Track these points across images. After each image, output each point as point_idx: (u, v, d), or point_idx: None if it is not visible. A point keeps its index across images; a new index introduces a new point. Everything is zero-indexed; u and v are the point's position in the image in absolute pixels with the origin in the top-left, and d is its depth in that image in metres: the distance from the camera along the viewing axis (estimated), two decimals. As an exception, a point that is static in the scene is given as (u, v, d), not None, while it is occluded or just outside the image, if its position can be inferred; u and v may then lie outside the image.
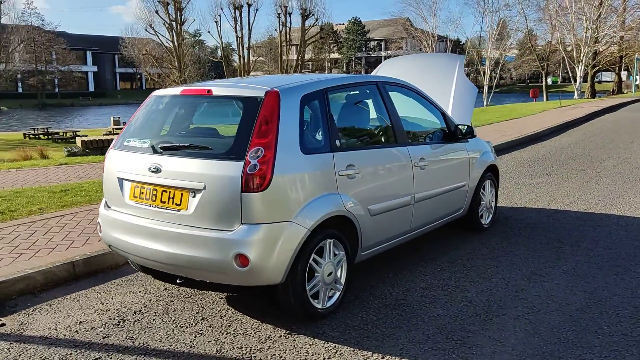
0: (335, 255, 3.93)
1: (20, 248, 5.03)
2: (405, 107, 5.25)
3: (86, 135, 24.29)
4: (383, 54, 76.82)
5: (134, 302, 4.21)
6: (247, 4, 39.11)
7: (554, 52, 46.11)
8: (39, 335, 3.69)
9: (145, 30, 38.11)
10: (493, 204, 6.11)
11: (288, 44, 41.53)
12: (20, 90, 67.71)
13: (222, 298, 4.25)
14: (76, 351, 3.46)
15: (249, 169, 3.43)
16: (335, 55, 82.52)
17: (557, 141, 13.66)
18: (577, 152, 11.65)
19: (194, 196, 3.59)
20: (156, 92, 4.33)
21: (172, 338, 3.62)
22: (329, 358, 3.36)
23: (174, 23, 37.26)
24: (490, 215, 6.08)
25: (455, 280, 4.54)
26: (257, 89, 3.76)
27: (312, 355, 3.39)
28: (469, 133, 5.38)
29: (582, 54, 37.97)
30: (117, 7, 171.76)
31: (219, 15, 39.37)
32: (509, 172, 9.46)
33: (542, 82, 46.90)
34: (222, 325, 3.79)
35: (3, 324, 3.87)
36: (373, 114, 4.69)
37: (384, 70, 6.57)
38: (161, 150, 3.81)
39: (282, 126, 3.61)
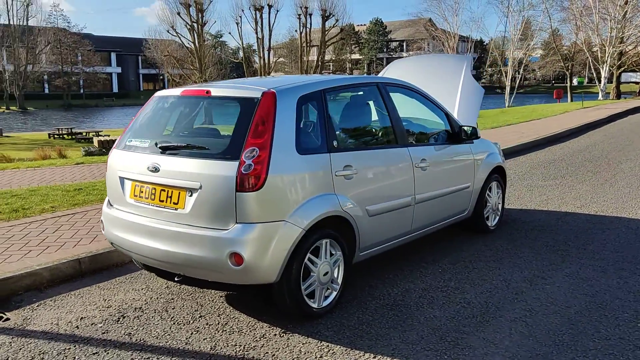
0: (332, 255, 3.95)
1: (30, 245, 5.15)
2: (408, 108, 5.26)
3: (108, 135, 24.71)
4: (404, 54, 76.48)
5: (135, 299, 4.28)
6: (268, 5, 39.38)
7: (579, 52, 45.46)
8: (40, 330, 3.78)
9: (167, 31, 38.63)
10: (500, 206, 6.06)
11: (308, 45, 41.67)
12: (46, 91, 69.00)
13: (221, 296, 4.30)
14: (75, 346, 3.54)
15: (243, 168, 3.48)
16: (356, 56, 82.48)
17: (575, 143, 13.48)
18: (595, 154, 11.48)
19: (190, 195, 3.65)
20: (158, 93, 4.40)
21: (168, 335, 3.68)
22: (321, 357, 3.38)
23: (195, 24, 37.68)
24: (497, 217, 6.03)
25: (455, 282, 4.53)
26: (254, 90, 3.81)
27: (305, 354, 3.42)
28: (474, 134, 5.35)
29: (606, 55, 37.34)
30: (141, 9, 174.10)
31: (240, 17, 39.74)
32: (522, 174, 9.37)
33: (567, 83, 46.18)
34: (218, 323, 3.84)
35: (7, 319, 3.98)
36: (373, 115, 4.70)
37: (391, 71, 6.57)
38: (160, 150, 3.88)
39: (278, 126, 3.64)
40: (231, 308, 4.09)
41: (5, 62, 60.03)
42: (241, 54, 45.19)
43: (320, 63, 42.10)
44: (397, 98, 4.89)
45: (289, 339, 3.61)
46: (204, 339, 3.61)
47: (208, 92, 4.01)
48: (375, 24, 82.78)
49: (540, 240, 5.61)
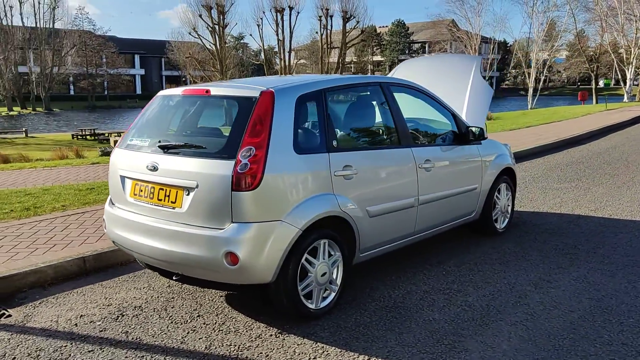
0: (330, 256, 3.92)
1: (37, 243, 5.22)
2: (415, 109, 5.21)
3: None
4: (426, 56, 76.02)
5: (136, 297, 4.30)
6: (289, 7, 39.52)
7: (604, 53, 44.71)
8: (39, 327, 3.82)
9: (189, 34, 38.97)
10: (509, 208, 5.96)
11: (329, 46, 41.66)
12: (72, 92, 70.16)
13: (221, 296, 4.30)
14: (72, 343, 3.57)
15: (239, 167, 3.46)
16: (378, 58, 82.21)
17: (595, 145, 13.23)
18: (614, 157, 11.25)
19: (188, 194, 3.65)
20: (161, 92, 4.42)
21: (165, 334, 3.69)
22: (314, 358, 3.35)
23: (216, 26, 37.93)
24: (506, 220, 5.93)
25: (458, 284, 4.46)
26: (253, 89, 3.80)
27: (299, 355, 3.40)
28: (481, 135, 5.27)
29: (632, 56, 36.66)
30: (165, 12, 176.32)
31: (261, 19, 39.96)
32: (538, 176, 9.22)
33: (592, 84, 45.43)
34: (215, 323, 3.84)
35: (9, 315, 4.03)
36: (376, 115, 4.66)
37: (401, 71, 6.51)
38: (159, 149, 3.89)
39: (276, 126, 3.63)
40: (230, 308, 4.09)
41: (32, 64, 61.23)
42: (262, 55, 45.32)
43: (340, 64, 42.08)
44: (403, 98, 4.85)
45: (284, 339, 3.59)
46: (199, 339, 3.61)
47: (207, 91, 4.02)
48: (397, 26, 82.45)
49: (550, 243, 5.51)
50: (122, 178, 4.12)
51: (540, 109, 34.84)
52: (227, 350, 3.46)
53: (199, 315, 3.96)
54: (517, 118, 23.08)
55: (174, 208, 3.72)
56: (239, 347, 3.49)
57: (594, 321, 3.76)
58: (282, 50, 40.91)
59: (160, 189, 3.81)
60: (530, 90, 43.77)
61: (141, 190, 3.95)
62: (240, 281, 3.64)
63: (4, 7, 57.58)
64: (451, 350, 3.40)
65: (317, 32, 42.76)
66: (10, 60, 57.13)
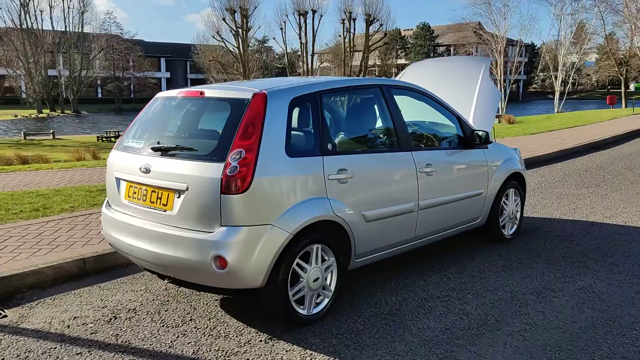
0: (324, 261, 3.86)
1: (41, 243, 5.25)
2: (420, 112, 5.13)
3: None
4: (435, 58, 75.21)
5: (131, 300, 4.29)
6: (312, 10, 39.58)
7: (634, 57, 43.77)
8: (32, 328, 3.83)
9: (213, 37, 39.30)
10: (518, 214, 5.81)
11: (352, 49, 41.59)
12: (99, 95, 71.35)
13: (216, 300, 4.26)
14: (61, 346, 3.56)
15: (229, 170, 3.42)
16: (402, 61, 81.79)
17: (617, 150, 12.91)
18: (637, 162, 10.95)
19: (178, 197, 3.62)
20: (159, 94, 4.42)
21: (154, 337, 3.66)
22: (301, 365, 3.29)
23: (239, 30, 38.17)
24: (515, 226, 5.79)
25: (458, 292, 4.35)
26: (246, 91, 3.76)
27: (286, 361, 3.34)
28: (486, 139, 5.14)
29: (662, 59, 35.80)
30: (191, 16, 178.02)
31: (284, 22, 40.09)
32: (555, 182, 9.01)
33: (622, 88, 44.50)
34: (207, 327, 3.80)
35: (5, 316, 4.05)
36: (374, 118, 4.58)
37: (409, 74, 6.42)
38: (151, 151, 3.87)
39: (267, 128, 3.58)
40: (223, 312, 4.05)
41: (62, 68, 62.44)
42: (285, 58, 45.46)
43: (363, 68, 41.97)
44: (409, 102, 4.77)
45: (273, 345, 3.53)
46: (188, 343, 3.58)
47: (202, 93, 3.99)
48: (422, 29, 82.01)
49: (558, 251, 5.35)
50: (118, 180, 4.12)
51: (566, 112, 34.24)
52: (214, 355, 3.42)
53: (191, 319, 3.93)
54: (540, 122, 22.70)
55: (165, 211, 3.70)
56: (226, 353, 3.44)
57: (595, 333, 3.63)
58: (304, 54, 40.98)
59: (153, 191, 3.79)
60: (557, 94, 43.08)
61: (135, 193, 3.94)
62: (229, 285, 3.60)
63: (35, 11, 58.94)
64: (442, 360, 3.31)
65: (339, 36, 42.72)
66: (40, 64, 58.38)
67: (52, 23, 62.50)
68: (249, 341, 3.59)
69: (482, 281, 4.58)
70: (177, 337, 3.66)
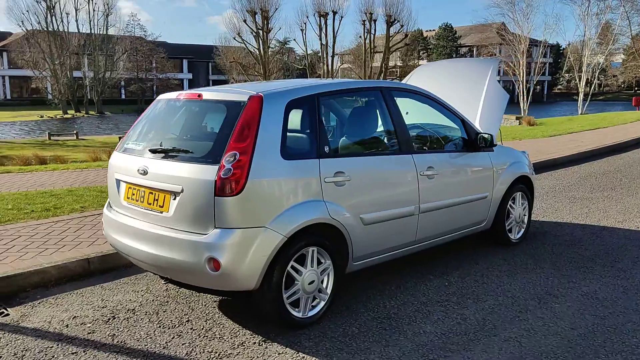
0: (320, 263, 3.84)
1: (48, 243, 5.33)
2: (425, 115, 5.09)
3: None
4: (442, 60, 74.42)
5: (131, 300, 4.33)
6: (332, 11, 39.61)
7: (660, 57, 42.87)
8: (32, 327, 3.89)
9: (234, 38, 39.52)
10: (525, 218, 5.73)
11: (373, 50, 41.50)
12: (122, 96, 72.29)
13: (215, 301, 4.28)
14: (57, 345, 3.61)
15: (223, 173, 3.43)
16: (424, 62, 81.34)
17: (638, 153, 12.64)
18: (657, 165, 10.73)
19: (174, 199, 3.65)
20: (160, 96, 4.45)
21: (150, 338, 3.69)
22: (292, 368, 3.29)
23: (260, 31, 38.34)
24: (522, 230, 5.70)
25: (458, 297, 4.31)
26: (243, 94, 3.77)
27: (277, 364, 3.34)
28: (491, 142, 5.07)
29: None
30: (213, 18, 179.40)
31: (305, 23, 40.18)
32: (569, 185, 8.86)
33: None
34: (202, 328, 3.82)
35: (7, 314, 4.11)
36: (374, 121, 4.55)
37: (416, 77, 6.37)
38: (149, 153, 3.90)
39: (262, 131, 3.58)
40: (220, 313, 4.06)
41: (87, 69, 63.37)
42: (306, 60, 45.55)
43: (384, 69, 41.83)
44: (406, 103, 4.73)
45: (266, 348, 3.53)
46: (182, 344, 3.60)
47: (200, 95, 4.01)
48: (444, 29, 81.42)
49: (566, 256, 5.26)
50: (118, 181, 4.16)
51: (589, 114, 33.65)
52: (207, 357, 3.43)
53: (187, 320, 3.95)
54: (561, 124, 22.35)
55: (161, 212, 3.72)
56: (219, 355, 3.45)
57: (594, 340, 3.55)
58: (325, 55, 41.01)
59: (150, 192, 3.82)
60: (581, 95, 42.36)
61: (133, 194, 3.98)
62: (223, 287, 3.62)
63: (61, 14, 59.75)
64: (434, 365, 3.27)
65: (360, 37, 42.68)
66: (65, 66, 59.27)
67: (77, 25, 63.38)
68: (242, 343, 3.60)
69: (484, 286, 4.52)
70: (173, 338, 3.69)
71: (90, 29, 64.36)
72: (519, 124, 25.07)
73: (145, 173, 3.83)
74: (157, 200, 3.77)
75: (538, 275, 4.75)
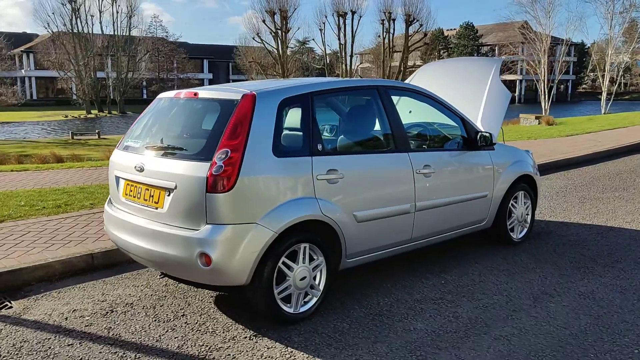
0: (312, 260, 3.89)
1: (56, 239, 5.46)
2: (426, 113, 5.10)
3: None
4: (446, 59, 73.55)
5: (131, 294, 4.42)
6: (351, 11, 39.62)
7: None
8: (33, 319, 3.99)
9: (253, 39, 39.78)
10: (528, 217, 5.70)
11: (392, 50, 41.39)
12: (144, 96, 73.11)
13: (212, 296, 4.35)
14: (55, 337, 3.71)
15: (214, 170, 3.50)
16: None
17: (656, 153, 12.44)
18: (673, 165, 10.54)
19: (168, 195, 3.72)
20: (160, 95, 4.53)
21: (144, 331, 3.76)
22: (280, 363, 3.33)
23: (279, 31, 38.51)
24: (524, 230, 5.67)
25: (453, 295, 4.31)
26: (236, 92, 3.83)
27: (266, 358, 3.38)
28: (490, 141, 5.05)
29: None
30: (234, 18, 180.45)
31: (323, 23, 40.23)
32: (580, 185, 8.76)
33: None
34: (196, 322, 3.88)
35: (10, 307, 4.23)
36: (369, 119, 4.56)
37: (419, 76, 6.36)
38: (146, 150, 3.99)
39: (255, 129, 3.63)
40: (215, 308, 4.12)
41: (110, 70, 64.30)
42: (324, 60, 45.61)
43: (402, 68, 41.70)
44: (405, 102, 4.75)
45: (256, 342, 3.59)
46: (175, 338, 3.67)
47: (196, 94, 4.08)
48: (465, 28, 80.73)
49: (567, 256, 5.22)
50: (117, 178, 4.25)
51: (611, 114, 33.11)
52: (198, 350, 3.49)
53: (183, 315, 4.02)
54: (580, 123, 22.06)
55: (156, 208, 3.80)
56: (210, 348, 3.51)
57: (585, 339, 3.54)
58: (344, 54, 41.02)
59: (146, 189, 3.90)
60: (604, 95, 41.71)
61: (131, 191, 4.06)
62: (215, 282, 3.68)
63: (85, 16, 60.68)
64: (420, 362, 3.29)
65: (379, 36, 42.61)
66: (89, 66, 60.20)
67: (101, 27, 64.20)
68: (234, 337, 3.65)
69: (480, 284, 4.52)
70: (166, 331, 3.76)
71: (114, 31, 65.22)
72: (538, 124, 24.77)
73: (142, 170, 3.91)
74: (152, 196, 3.85)
75: (537, 275, 4.72)
